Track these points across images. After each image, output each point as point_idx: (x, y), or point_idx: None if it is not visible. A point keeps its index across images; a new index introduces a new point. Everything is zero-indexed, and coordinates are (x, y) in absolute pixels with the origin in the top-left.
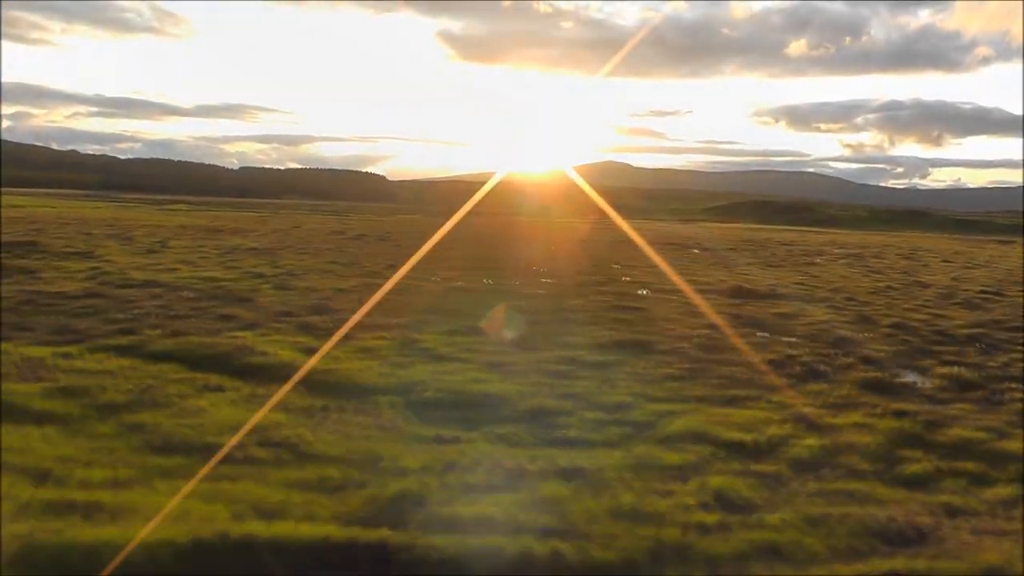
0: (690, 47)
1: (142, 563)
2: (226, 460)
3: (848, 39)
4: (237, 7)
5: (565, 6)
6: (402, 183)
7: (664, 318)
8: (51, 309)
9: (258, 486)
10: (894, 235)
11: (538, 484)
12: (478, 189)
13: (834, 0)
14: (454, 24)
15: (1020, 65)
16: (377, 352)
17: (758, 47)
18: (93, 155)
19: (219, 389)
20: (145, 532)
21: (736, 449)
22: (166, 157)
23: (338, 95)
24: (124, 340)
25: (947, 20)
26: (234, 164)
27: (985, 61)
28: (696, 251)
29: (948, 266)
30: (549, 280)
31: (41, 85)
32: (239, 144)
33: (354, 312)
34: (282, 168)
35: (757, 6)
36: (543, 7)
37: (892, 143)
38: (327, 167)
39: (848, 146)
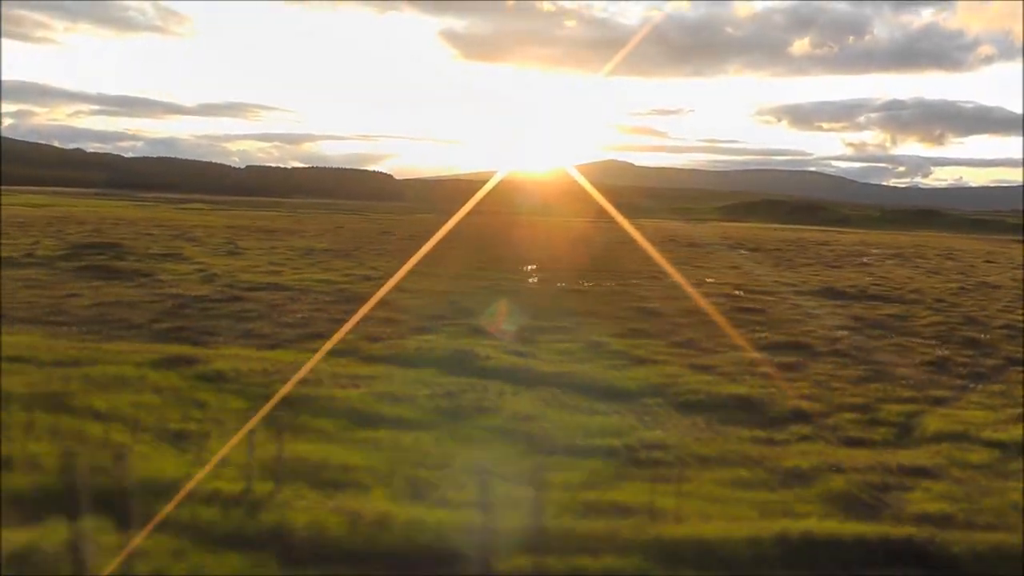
0: (693, 46)
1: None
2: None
3: (851, 38)
4: (240, 5)
5: (569, 5)
6: (406, 182)
7: (789, 319)
8: (211, 313)
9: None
10: (913, 235)
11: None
12: (483, 188)
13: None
14: (457, 23)
15: (1022, 64)
16: (577, 355)
17: (761, 46)
18: (98, 153)
19: (514, 392)
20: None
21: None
22: (168, 155)
23: (340, 94)
24: (327, 344)
25: (950, 19)
26: (236, 162)
27: (987, 60)
28: (744, 251)
29: (994, 267)
30: (637, 280)
31: (44, 83)
32: (241, 142)
33: (507, 314)
34: (288, 167)
35: (759, 5)
36: (547, 6)
37: (894, 142)
38: (332, 166)
39: (850, 145)
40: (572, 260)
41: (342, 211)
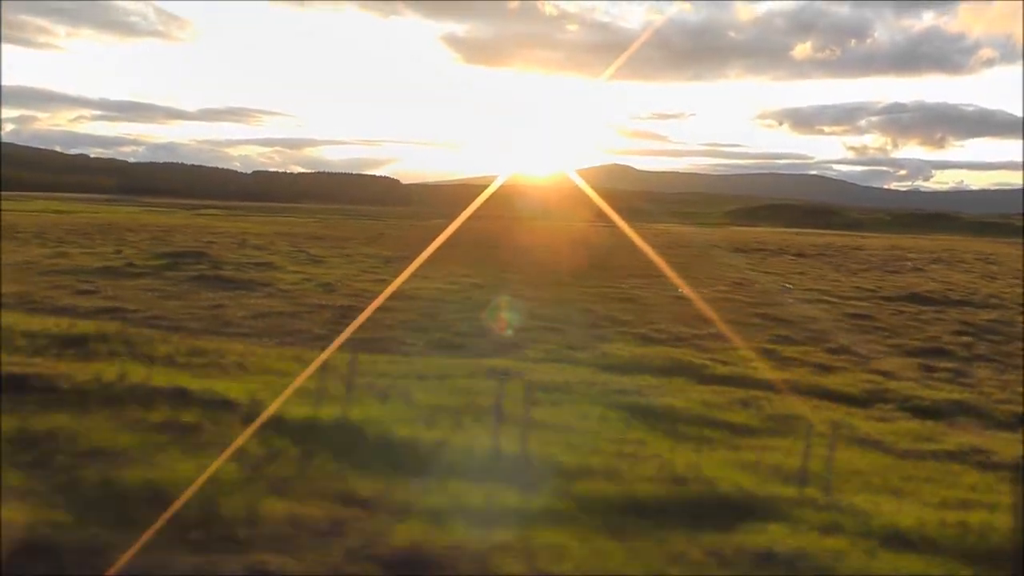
0: (694, 50)
1: None
2: None
3: (853, 41)
4: (241, 8)
5: (571, 8)
6: (411, 187)
7: (904, 326)
8: (383, 322)
9: None
10: (931, 238)
11: None
12: (486, 191)
13: (838, 1)
14: (458, 27)
15: (1022, 67)
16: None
17: (762, 50)
18: (103, 158)
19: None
20: None
21: None
22: (170, 160)
23: (341, 98)
24: (567, 353)
25: (951, 22)
26: (238, 167)
27: (988, 63)
28: (790, 256)
29: None
30: (723, 288)
31: (46, 88)
32: (242, 147)
33: (644, 324)
34: (294, 172)
35: (760, 8)
36: (549, 9)
37: (895, 145)
38: (333, 171)
39: (851, 148)
40: (655, 267)
41: (362, 216)
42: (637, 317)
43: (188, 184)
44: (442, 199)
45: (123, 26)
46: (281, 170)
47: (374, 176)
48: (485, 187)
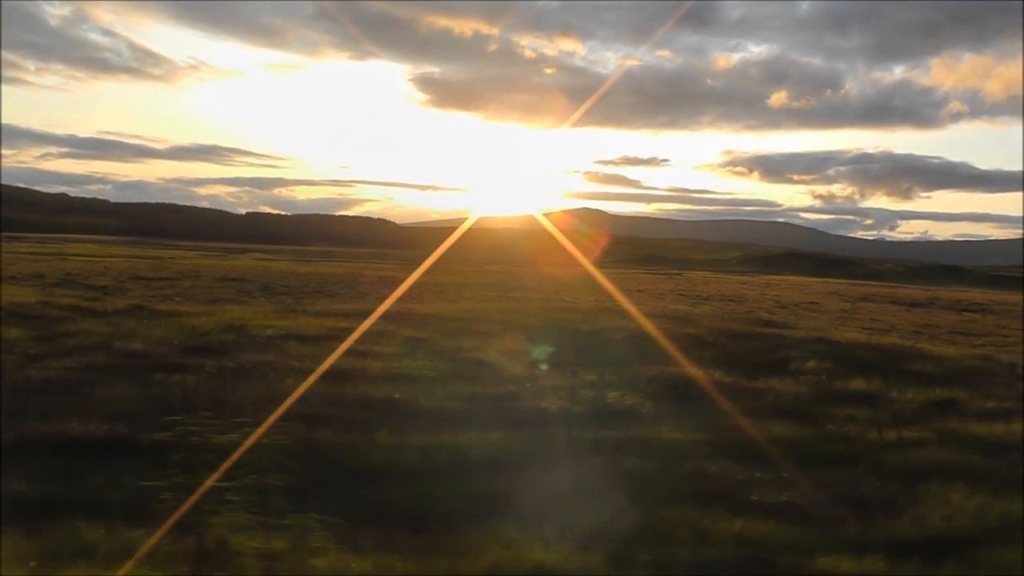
0: (669, 97)
1: None
2: None
3: (828, 91)
4: (217, 49)
5: (550, 51)
6: (404, 228)
7: None
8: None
9: None
10: (956, 290)
11: None
12: (479, 235)
13: (811, 54)
14: (435, 69)
15: (988, 123)
16: None
17: (735, 99)
18: (98, 199)
19: None
20: None
21: None
22: (138, 200)
23: (311, 139)
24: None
25: (922, 76)
26: (206, 206)
27: (956, 117)
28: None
29: None
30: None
31: (12, 124)
32: (211, 187)
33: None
34: (289, 214)
35: (734, 58)
36: (528, 52)
37: (863, 195)
38: (303, 212)
39: (819, 197)
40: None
41: (385, 260)
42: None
43: (192, 226)
44: (432, 241)
45: (96, 62)
46: (285, 212)
47: (372, 219)
48: (479, 230)
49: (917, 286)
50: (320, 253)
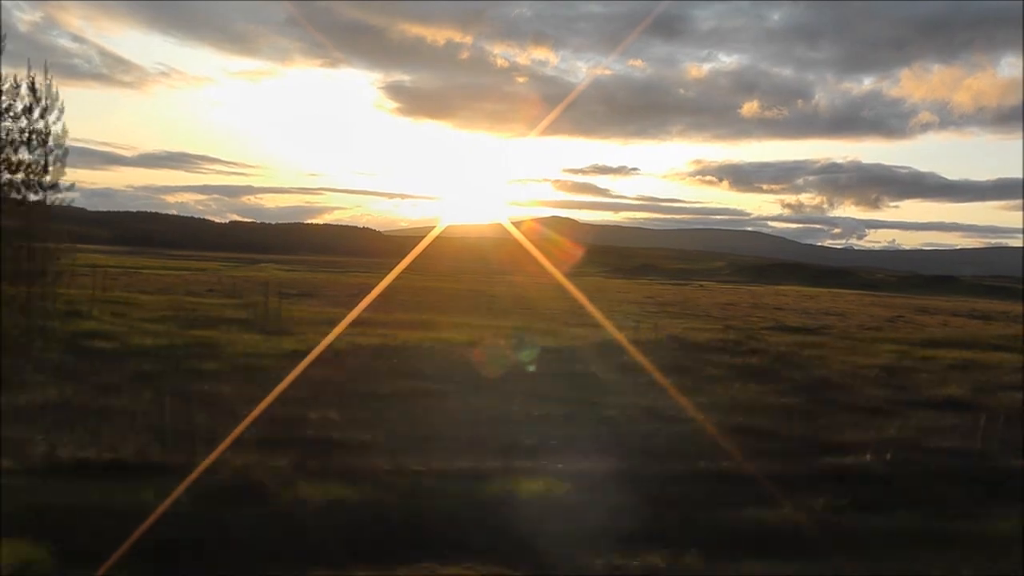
0: (639, 106)
1: None
2: None
3: (799, 101)
4: (188, 56)
5: (522, 60)
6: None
7: None
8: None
9: None
10: (956, 300)
11: None
12: (458, 243)
13: (780, 65)
14: (405, 77)
15: (956, 133)
16: None
17: (705, 109)
18: (88, 209)
19: None
20: None
21: None
22: (106, 209)
23: (281, 146)
24: None
25: (892, 87)
26: (174, 213)
27: (925, 128)
28: (925, 315)
29: None
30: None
31: None
32: (180, 195)
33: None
34: (273, 223)
35: (705, 68)
36: (500, 61)
37: (831, 204)
38: (272, 220)
39: (788, 206)
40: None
41: (370, 270)
42: None
43: (177, 236)
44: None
45: (64, 68)
46: (269, 221)
47: (357, 228)
48: (461, 237)
49: (932, 297)
50: (331, 263)
